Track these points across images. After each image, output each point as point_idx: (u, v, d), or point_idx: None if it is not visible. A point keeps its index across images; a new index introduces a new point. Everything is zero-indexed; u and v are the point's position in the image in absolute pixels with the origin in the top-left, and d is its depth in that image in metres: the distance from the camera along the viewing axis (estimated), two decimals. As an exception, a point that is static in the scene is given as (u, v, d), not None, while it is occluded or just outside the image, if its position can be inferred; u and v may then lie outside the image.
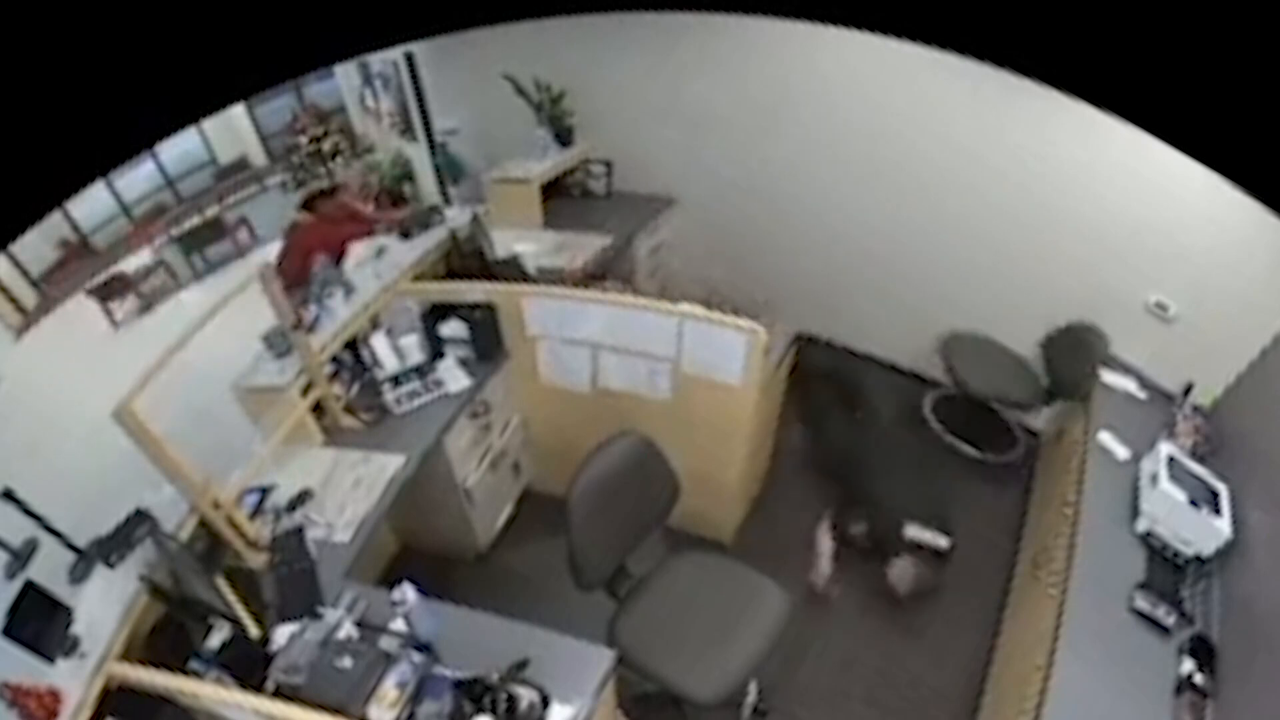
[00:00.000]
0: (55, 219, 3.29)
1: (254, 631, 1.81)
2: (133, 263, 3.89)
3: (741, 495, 3.01)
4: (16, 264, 3.12)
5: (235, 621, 1.81)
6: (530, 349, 2.83)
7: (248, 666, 1.72)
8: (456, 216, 3.25)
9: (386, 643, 1.73)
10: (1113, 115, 0.67)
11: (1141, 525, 2.25)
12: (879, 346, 4.12)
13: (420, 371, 2.72)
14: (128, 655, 1.74)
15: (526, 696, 1.61)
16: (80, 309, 3.44)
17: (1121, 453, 2.54)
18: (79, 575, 1.83)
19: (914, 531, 2.66)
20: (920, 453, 3.48)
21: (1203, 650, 1.93)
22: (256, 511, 2.20)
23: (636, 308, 2.60)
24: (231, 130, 4.46)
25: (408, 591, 1.74)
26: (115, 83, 0.64)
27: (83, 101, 0.63)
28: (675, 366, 2.63)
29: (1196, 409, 2.68)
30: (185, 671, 1.70)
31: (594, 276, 3.50)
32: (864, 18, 0.72)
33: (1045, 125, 2.93)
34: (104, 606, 1.78)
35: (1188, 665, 1.88)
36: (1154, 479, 2.27)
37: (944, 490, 2.97)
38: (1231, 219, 2.53)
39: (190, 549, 1.95)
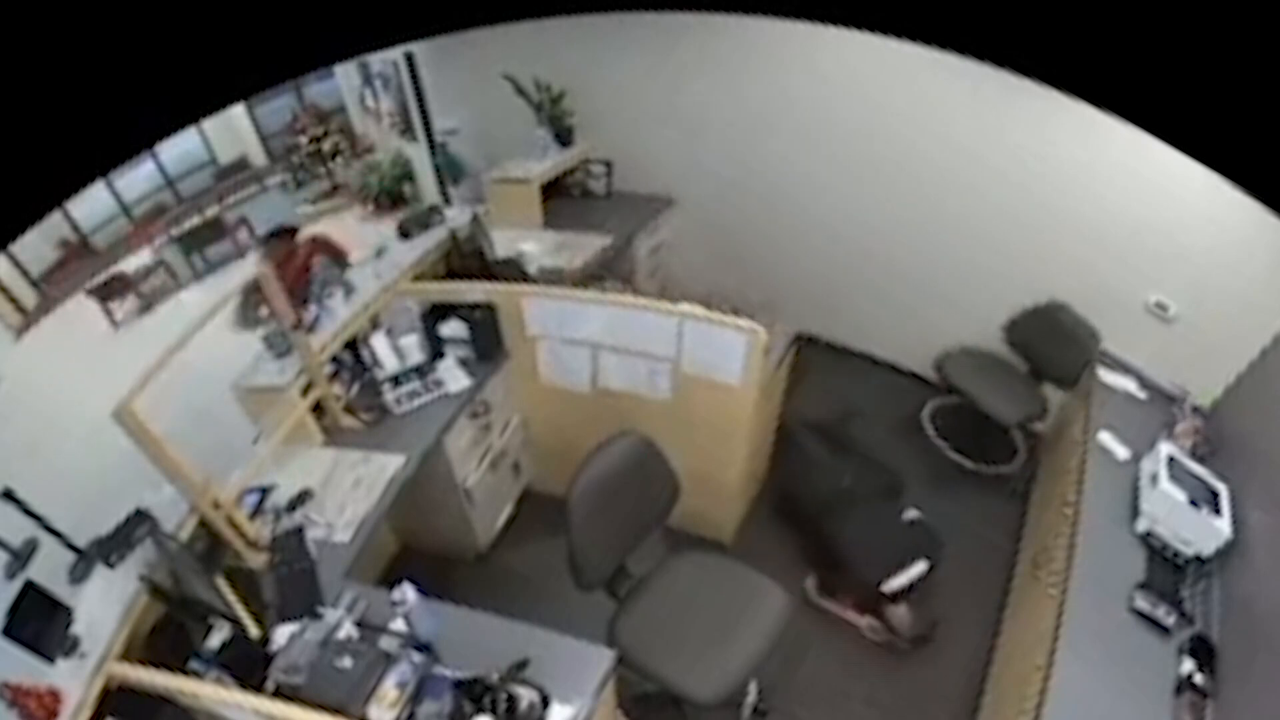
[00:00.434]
0: (55, 219, 3.28)
1: (254, 631, 1.81)
2: (133, 263, 3.88)
3: (741, 495, 3.01)
4: (16, 264, 3.11)
5: (235, 621, 1.81)
6: (530, 349, 2.83)
7: (248, 666, 1.72)
8: (456, 216, 3.25)
9: (386, 643, 1.73)
10: (1113, 115, 0.67)
11: (1141, 525, 2.25)
12: (879, 347, 4.12)
13: (420, 371, 2.72)
14: (128, 655, 1.74)
15: (526, 696, 1.61)
16: (80, 309, 3.43)
17: (1121, 453, 2.54)
18: (79, 575, 1.84)
19: (893, 584, 2.59)
20: (914, 466, 3.45)
21: (1203, 650, 1.93)
22: (256, 511, 2.20)
23: (636, 308, 2.60)
24: (231, 130, 4.45)
25: (408, 591, 1.74)
26: (115, 83, 0.64)
27: (83, 101, 0.63)
28: (675, 366, 2.63)
29: (1196, 409, 2.68)
30: (185, 671, 1.70)
31: (594, 276, 3.50)
32: (864, 18, 0.72)
33: (1045, 125, 2.94)
34: (104, 606, 1.78)
35: (1188, 665, 1.88)
36: (1154, 479, 2.27)
37: (930, 506, 2.91)
38: (1231, 219, 2.53)
39: (190, 549, 1.95)
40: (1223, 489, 2.23)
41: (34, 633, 1.63)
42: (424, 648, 1.71)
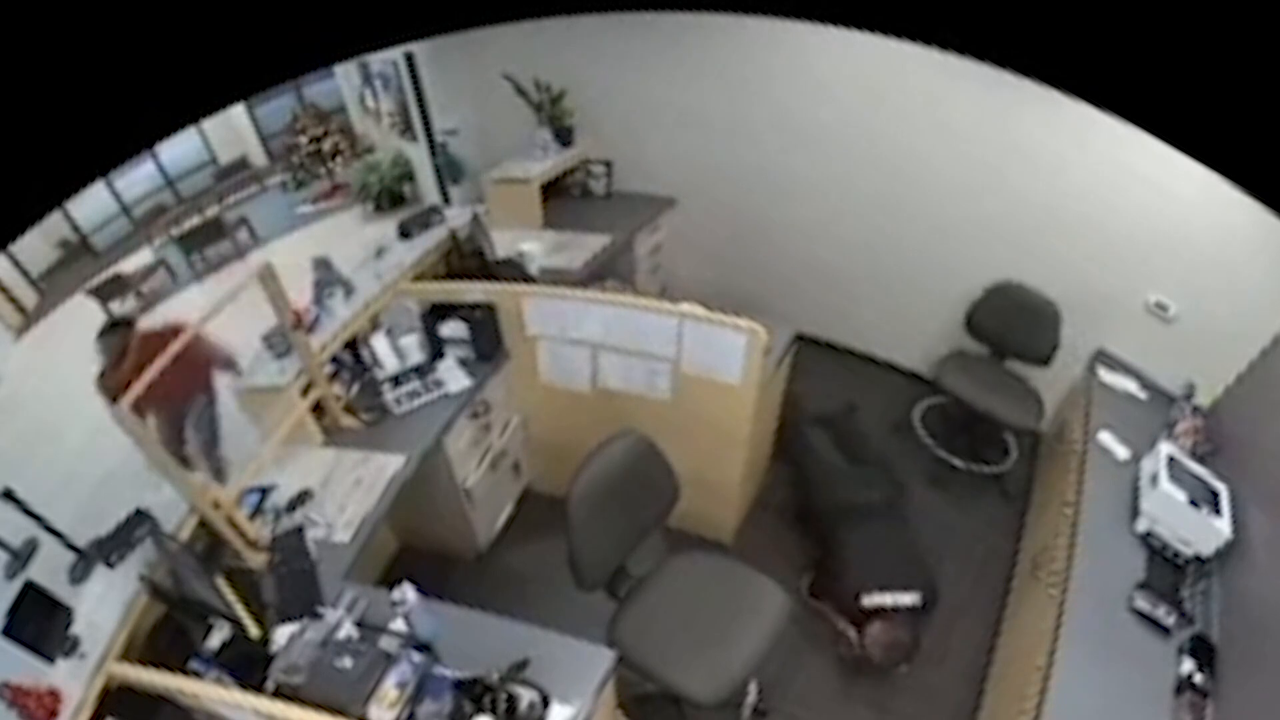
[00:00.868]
0: (55, 219, 3.28)
1: (254, 631, 1.81)
2: (133, 263, 3.88)
3: (741, 495, 3.01)
4: (16, 264, 3.11)
5: (235, 621, 1.81)
6: (530, 349, 2.83)
7: (248, 666, 1.72)
8: (456, 216, 3.25)
9: (386, 643, 1.73)
10: (1113, 115, 0.67)
11: (1141, 525, 2.25)
12: (879, 347, 4.12)
13: (420, 371, 2.72)
14: (128, 655, 1.74)
15: (526, 696, 1.61)
16: (80, 309, 3.43)
17: (1121, 453, 2.54)
18: (79, 575, 1.84)
19: (873, 599, 2.52)
20: (911, 468, 3.44)
21: (1203, 650, 1.93)
22: (256, 511, 2.20)
23: (636, 308, 2.60)
24: (231, 130, 4.45)
25: (408, 591, 1.74)
26: (115, 83, 0.64)
27: (83, 101, 0.63)
28: (675, 366, 2.63)
29: (1196, 409, 2.68)
30: (185, 671, 1.69)
31: (594, 276, 3.50)
32: (864, 18, 0.72)
33: (1045, 125, 2.94)
34: (104, 606, 1.79)
35: (1188, 665, 1.88)
36: (1154, 479, 2.27)
37: (931, 526, 2.89)
38: (1231, 219, 2.53)
39: (190, 549, 1.95)
40: (1223, 489, 2.23)
41: (34, 633, 1.63)
42: (424, 648, 1.71)
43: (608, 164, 4.04)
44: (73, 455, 2.34)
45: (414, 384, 2.68)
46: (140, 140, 0.74)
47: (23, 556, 1.78)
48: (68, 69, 0.61)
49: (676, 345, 2.57)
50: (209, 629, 1.80)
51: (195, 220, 4.20)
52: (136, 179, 3.87)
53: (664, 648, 2.06)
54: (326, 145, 4.51)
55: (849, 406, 3.49)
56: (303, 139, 4.48)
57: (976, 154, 3.22)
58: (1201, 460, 2.40)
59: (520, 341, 2.82)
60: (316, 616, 1.82)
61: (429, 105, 3.91)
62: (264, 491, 2.26)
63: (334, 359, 2.61)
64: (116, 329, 2.03)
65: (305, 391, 2.43)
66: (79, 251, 3.57)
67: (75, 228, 3.55)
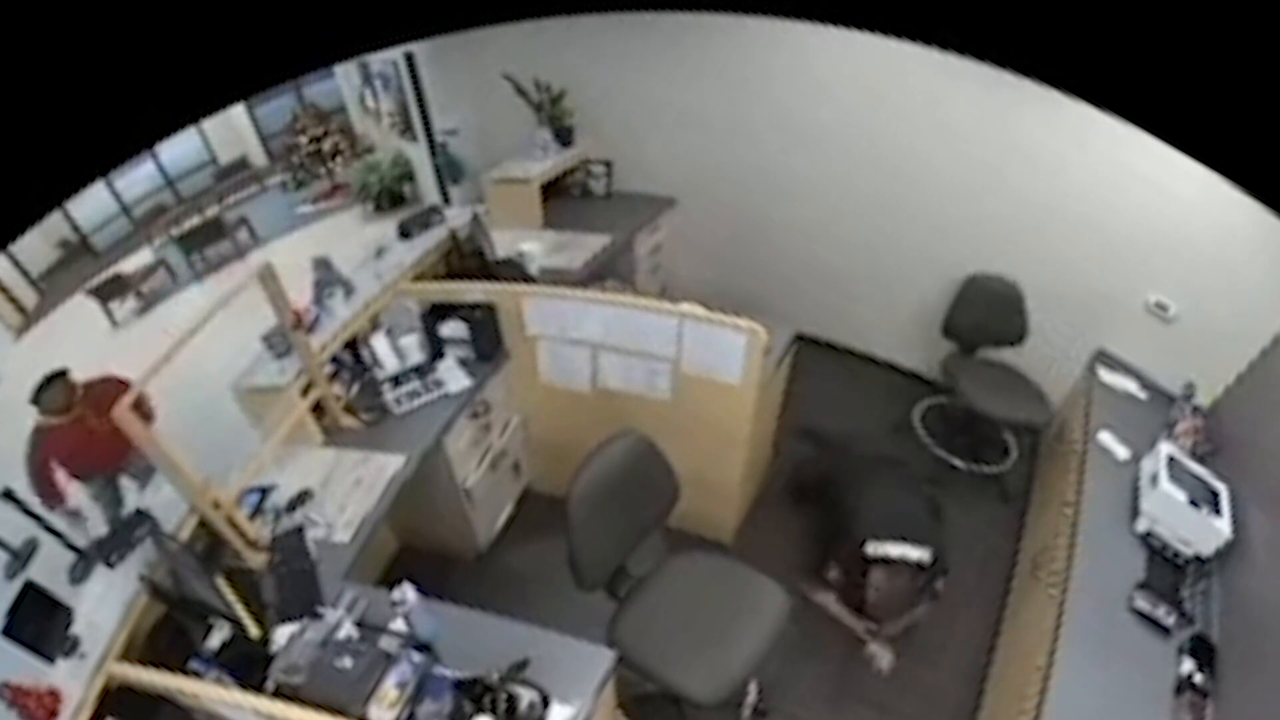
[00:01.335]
0: (55, 219, 3.28)
1: (254, 631, 1.81)
2: (133, 263, 3.88)
3: (741, 495, 3.01)
4: (16, 264, 3.11)
5: (235, 621, 1.81)
6: (530, 349, 2.83)
7: (248, 666, 1.72)
8: (456, 216, 3.25)
9: (386, 643, 1.73)
10: (1113, 115, 0.67)
11: (1141, 525, 2.25)
12: (879, 347, 4.12)
13: (420, 371, 2.72)
14: (128, 655, 1.74)
15: (526, 696, 1.61)
16: (80, 309, 3.43)
17: (1121, 453, 2.54)
18: (79, 575, 1.83)
19: (880, 549, 2.45)
20: (911, 466, 3.44)
21: (1203, 650, 1.93)
22: (256, 511, 2.20)
23: (636, 308, 2.60)
24: (231, 130, 4.44)
25: (408, 591, 1.73)
26: (115, 82, 0.64)
27: (83, 101, 0.63)
28: (675, 366, 2.63)
29: (1196, 409, 2.68)
30: (185, 671, 1.69)
31: (594, 276, 3.51)
32: (864, 18, 0.72)
33: (1045, 125, 2.94)
34: (104, 606, 1.78)
35: (1188, 665, 1.88)
36: (1154, 479, 2.27)
37: (932, 505, 2.88)
38: (1231, 219, 2.53)
39: (190, 549, 1.95)
40: (1223, 489, 2.23)
41: (34, 633, 1.63)
42: (424, 648, 1.71)
43: (608, 164, 4.04)
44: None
45: (414, 384, 2.68)
46: (140, 140, 0.74)
47: (23, 556, 1.78)
48: (68, 69, 0.61)
49: (676, 345, 2.57)
50: (209, 629, 1.80)
51: (195, 220, 4.20)
52: (136, 179, 3.87)
53: (664, 648, 2.06)
54: (326, 145, 4.51)
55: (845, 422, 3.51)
56: (303, 139, 4.48)
57: (976, 154, 3.22)
58: (1201, 460, 2.40)
59: (520, 341, 2.82)
60: (316, 616, 1.82)
61: (429, 105, 3.91)
62: (264, 491, 2.26)
63: (334, 359, 2.61)
64: (55, 381, 1.96)
65: (305, 391, 2.43)
66: (79, 251, 3.57)
67: (75, 228, 3.55)
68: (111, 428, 1.62)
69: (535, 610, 1.93)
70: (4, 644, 1.58)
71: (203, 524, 1.98)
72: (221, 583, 1.92)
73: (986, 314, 3.36)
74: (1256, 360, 2.54)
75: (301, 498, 2.24)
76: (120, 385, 1.84)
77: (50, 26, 0.59)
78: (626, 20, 3.49)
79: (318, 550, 2.07)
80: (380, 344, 2.68)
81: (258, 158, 4.57)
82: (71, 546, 1.86)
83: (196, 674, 1.70)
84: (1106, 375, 2.96)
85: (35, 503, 1.81)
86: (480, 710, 1.59)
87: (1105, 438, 2.59)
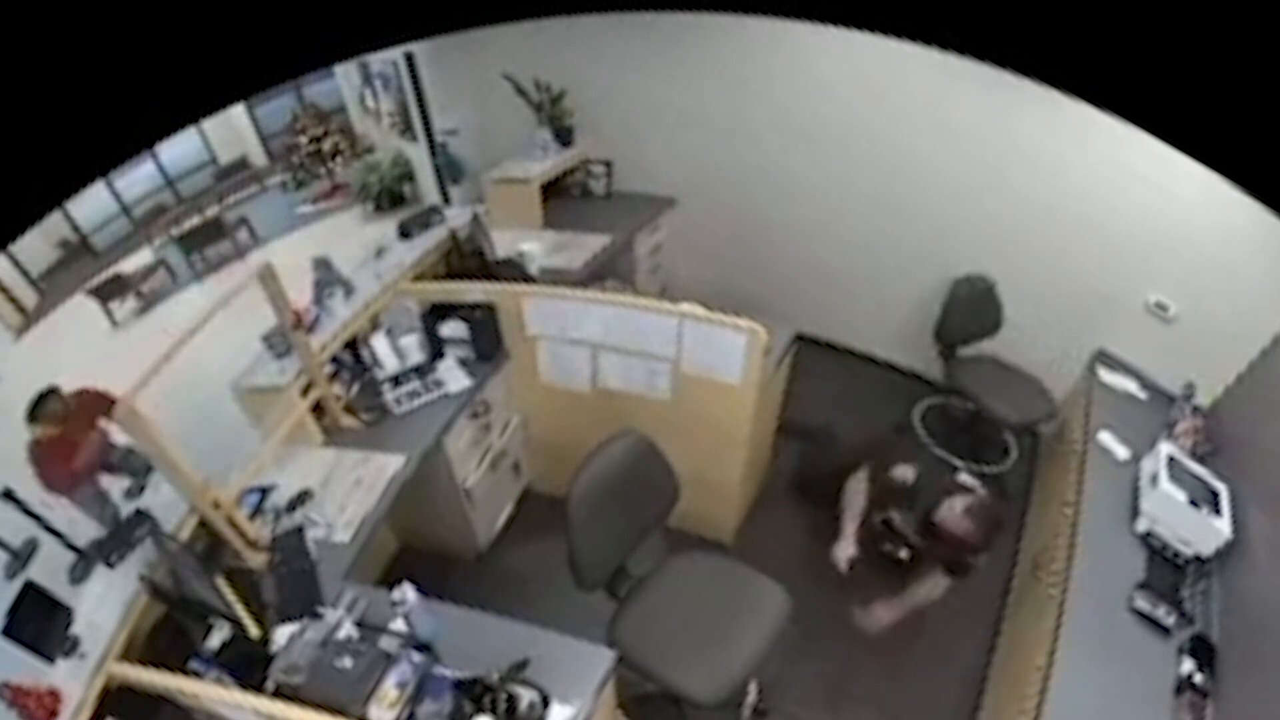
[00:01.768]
0: (55, 219, 3.28)
1: (254, 631, 1.81)
2: (133, 263, 3.87)
3: (741, 495, 3.01)
4: (16, 264, 3.11)
5: (235, 621, 1.81)
6: (530, 349, 2.83)
7: (248, 666, 1.72)
8: (456, 216, 3.25)
9: (386, 643, 1.73)
10: (1113, 115, 0.67)
11: (1141, 525, 2.25)
12: (879, 347, 4.12)
13: (420, 371, 2.72)
14: (128, 655, 1.74)
15: (526, 696, 1.61)
16: (80, 309, 3.43)
17: (1121, 453, 2.54)
18: (79, 575, 1.83)
19: (955, 478, 2.36)
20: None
21: (1203, 650, 1.93)
22: (256, 511, 2.20)
23: (636, 308, 2.60)
24: (231, 130, 4.44)
25: (408, 591, 1.73)
26: (115, 82, 0.64)
27: (83, 101, 0.63)
28: (675, 366, 2.63)
29: (1196, 409, 2.68)
30: (185, 671, 1.70)
31: (594, 276, 3.50)
32: (864, 18, 0.72)
33: (1045, 125, 2.94)
34: (104, 606, 1.78)
35: (1188, 665, 1.88)
36: (1154, 479, 2.27)
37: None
38: (1231, 219, 2.53)
39: (190, 549, 1.95)
40: (1223, 489, 2.23)
41: (34, 633, 1.63)
42: (424, 648, 1.71)
43: (608, 164, 4.04)
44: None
45: (414, 384, 2.68)
46: (140, 140, 0.74)
47: (23, 556, 1.77)
48: (68, 69, 0.61)
49: (676, 345, 2.57)
50: (209, 629, 1.80)
51: (195, 220, 4.19)
52: (136, 179, 3.87)
53: (664, 648, 2.06)
54: (326, 145, 4.50)
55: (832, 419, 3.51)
56: (303, 139, 4.48)
57: (976, 154, 3.22)
58: (1201, 460, 2.40)
59: (520, 341, 2.82)
60: (316, 616, 1.82)
61: (429, 105, 3.91)
62: (264, 491, 2.26)
63: (334, 359, 2.61)
64: (49, 397, 1.96)
65: (305, 391, 2.43)
66: (79, 251, 3.57)
67: (75, 228, 3.55)
68: (89, 434, 1.65)
69: (535, 610, 1.93)
70: (4, 644, 1.58)
71: (203, 524, 1.98)
72: (221, 583, 1.93)
73: (967, 314, 3.37)
74: (1256, 360, 2.54)
75: (301, 498, 2.24)
76: (98, 397, 1.91)
77: (50, 26, 0.59)
78: (626, 20, 3.49)
79: (318, 550, 2.07)
80: (380, 344, 2.68)
81: (258, 158, 4.57)
82: (71, 546, 1.85)
83: (196, 674, 1.70)
84: (1106, 375, 2.96)
85: (35, 502, 1.81)
86: (480, 710, 1.59)
87: (1105, 438, 2.59)
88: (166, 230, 4.08)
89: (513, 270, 3.04)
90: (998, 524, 2.37)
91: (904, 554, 2.59)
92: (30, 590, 1.69)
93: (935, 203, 3.46)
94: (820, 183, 3.70)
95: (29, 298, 3.21)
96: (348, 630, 1.78)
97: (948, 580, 2.50)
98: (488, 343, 2.79)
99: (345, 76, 4.34)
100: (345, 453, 2.44)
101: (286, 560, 2.03)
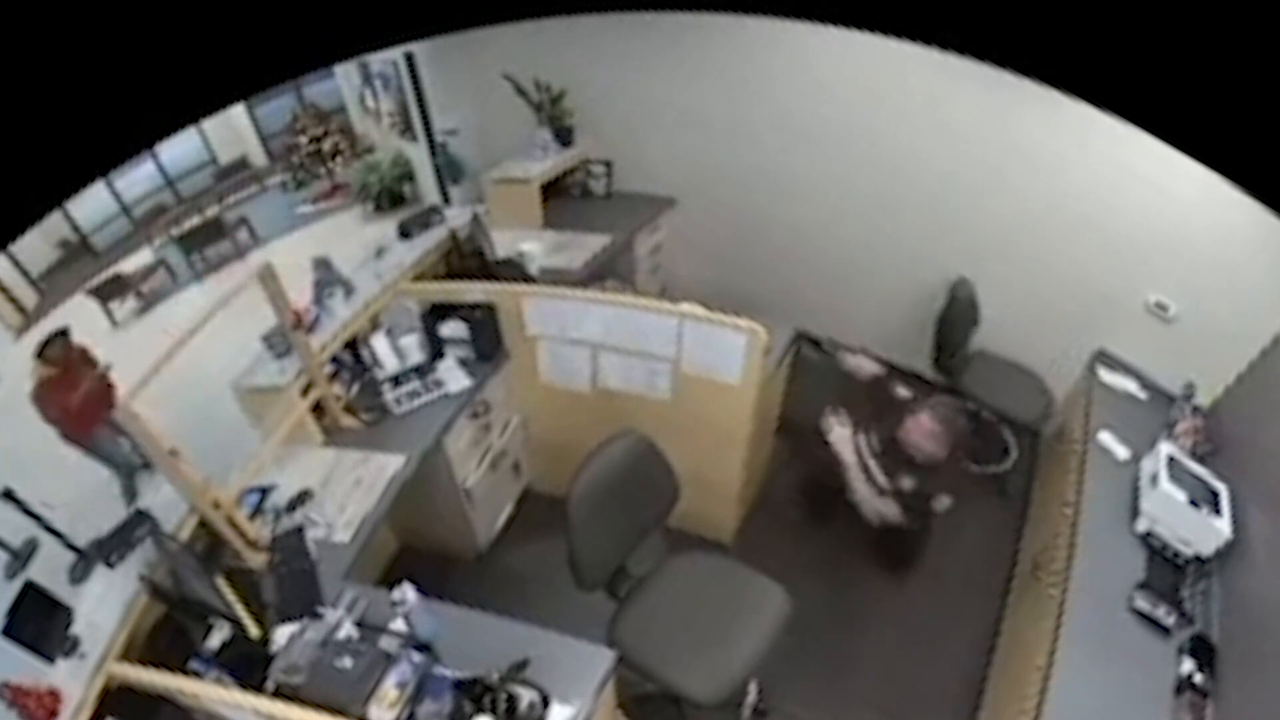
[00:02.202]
0: (55, 219, 3.28)
1: (254, 631, 1.81)
2: (133, 263, 3.88)
3: (742, 495, 3.01)
4: (16, 264, 3.12)
5: (235, 621, 1.81)
6: (530, 349, 2.83)
7: (248, 666, 1.72)
8: (456, 216, 3.25)
9: (386, 643, 1.73)
10: (1113, 115, 0.67)
11: (1141, 525, 2.25)
12: (879, 347, 4.10)
13: (420, 371, 2.72)
14: (128, 655, 1.74)
15: (526, 696, 1.61)
16: (80, 309, 3.44)
17: (1121, 453, 2.54)
18: (79, 575, 1.84)
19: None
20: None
21: (1203, 650, 1.93)
22: (256, 511, 2.20)
23: (636, 308, 2.60)
24: (231, 130, 4.45)
25: (408, 591, 1.74)
26: (115, 82, 0.64)
27: (83, 101, 0.63)
28: (675, 366, 2.63)
29: (1196, 409, 2.68)
30: (185, 671, 1.70)
31: (594, 276, 3.51)
32: (864, 18, 0.72)
33: (1045, 125, 2.93)
34: (104, 606, 1.79)
35: (1188, 665, 1.88)
36: (1154, 479, 2.27)
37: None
38: (1231, 219, 2.53)
39: (190, 549, 1.95)
40: (1223, 489, 2.23)
41: (34, 633, 1.63)
42: (424, 648, 1.71)
43: (608, 164, 4.04)
44: (72, 455, 2.34)
45: (414, 384, 2.68)
46: (140, 140, 0.74)
47: (23, 556, 1.78)
48: (68, 69, 0.61)
49: (676, 345, 2.57)
50: (209, 629, 1.80)
51: (195, 220, 4.20)
52: (136, 179, 3.88)
53: (664, 648, 2.06)
54: (326, 145, 4.51)
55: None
56: (303, 139, 4.49)
57: (976, 154, 3.22)
58: (1201, 460, 2.40)
59: (520, 341, 2.82)
60: (316, 616, 1.82)
61: (429, 105, 3.92)
62: (264, 491, 2.26)
63: (334, 359, 2.61)
64: (55, 340, 2.06)
65: (305, 391, 2.43)
66: (79, 251, 3.57)
67: (75, 228, 3.55)
68: (95, 384, 1.71)
69: (535, 610, 1.93)
70: (4, 644, 1.58)
71: (203, 524, 1.98)
72: (221, 583, 1.93)
73: (968, 316, 3.36)
74: (1256, 360, 2.53)
75: (301, 498, 2.24)
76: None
77: (50, 26, 0.59)
78: (626, 20, 3.49)
79: (318, 550, 2.07)
80: (380, 344, 2.68)
81: (258, 158, 4.58)
82: (71, 546, 1.86)
83: (196, 674, 1.70)
84: (1106, 375, 2.96)
85: (35, 503, 1.81)
86: (480, 710, 1.59)
87: (1105, 438, 2.59)
88: (166, 230, 4.09)
89: (513, 270, 3.04)
90: (961, 436, 2.42)
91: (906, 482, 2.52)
92: (30, 590, 1.69)
93: (935, 203, 3.46)
94: (820, 183, 3.70)
95: (29, 298, 3.22)
96: (348, 630, 1.78)
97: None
98: (488, 343, 2.79)
99: (345, 76, 4.35)
100: (345, 453, 2.44)
101: (286, 560, 2.03)
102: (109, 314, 3.64)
